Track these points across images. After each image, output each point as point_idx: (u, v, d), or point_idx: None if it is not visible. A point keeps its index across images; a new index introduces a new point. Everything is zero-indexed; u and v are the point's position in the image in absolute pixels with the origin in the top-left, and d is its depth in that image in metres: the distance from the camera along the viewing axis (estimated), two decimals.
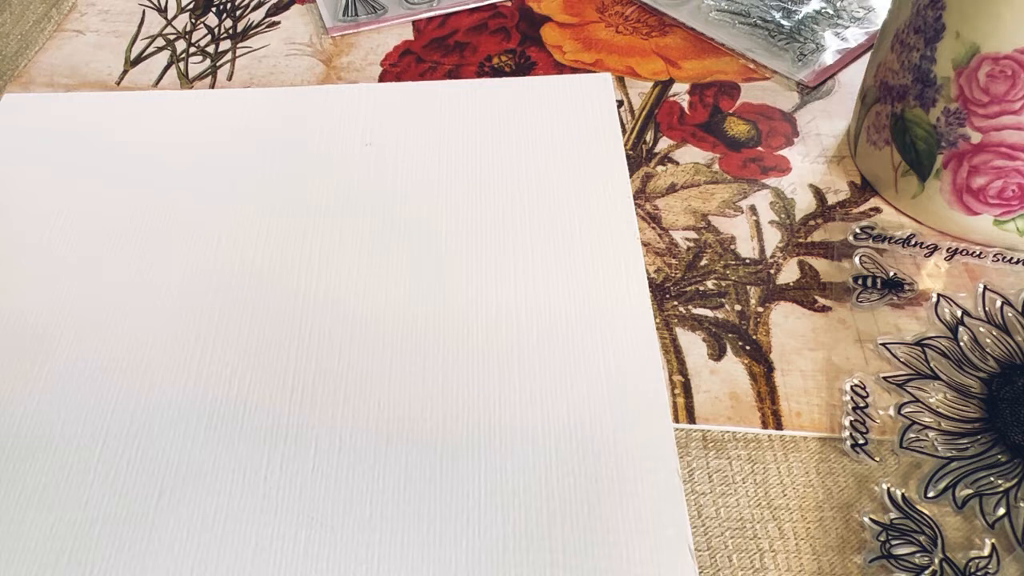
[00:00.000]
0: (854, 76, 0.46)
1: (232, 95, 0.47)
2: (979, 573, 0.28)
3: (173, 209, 0.41)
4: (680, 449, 0.32)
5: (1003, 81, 0.33)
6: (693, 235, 0.39)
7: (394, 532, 0.30)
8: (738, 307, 0.36)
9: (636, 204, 0.41)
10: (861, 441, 0.32)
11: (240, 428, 0.33)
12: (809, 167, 0.42)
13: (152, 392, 0.34)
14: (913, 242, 0.38)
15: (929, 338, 0.34)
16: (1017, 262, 0.37)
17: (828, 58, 0.48)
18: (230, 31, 0.53)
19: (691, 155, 0.43)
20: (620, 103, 0.46)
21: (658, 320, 0.36)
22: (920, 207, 0.38)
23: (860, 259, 0.37)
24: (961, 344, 0.33)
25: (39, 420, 0.33)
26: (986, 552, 0.29)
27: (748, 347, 0.35)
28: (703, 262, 0.38)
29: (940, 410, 0.32)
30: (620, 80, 0.47)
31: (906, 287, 0.36)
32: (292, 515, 0.30)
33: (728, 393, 0.34)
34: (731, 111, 0.45)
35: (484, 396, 0.33)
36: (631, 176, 0.42)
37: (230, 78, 0.49)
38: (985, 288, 0.34)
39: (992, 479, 0.30)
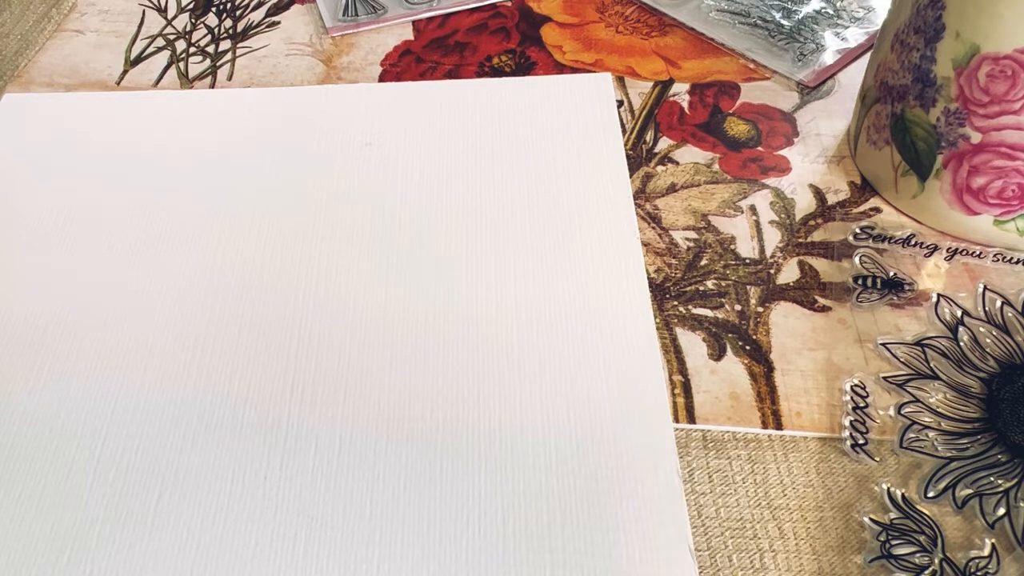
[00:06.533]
0: (854, 76, 0.46)
1: (232, 95, 0.47)
2: (979, 573, 0.28)
3: (173, 209, 0.41)
4: (680, 449, 0.32)
5: (1003, 81, 0.33)
6: (693, 235, 0.39)
7: (394, 532, 0.30)
8: (738, 307, 0.36)
9: (636, 204, 0.41)
10: (861, 441, 0.32)
11: (240, 428, 0.33)
12: (809, 167, 0.42)
13: (152, 392, 0.34)
14: (913, 242, 0.38)
15: (929, 338, 0.34)
16: (1017, 262, 0.36)
17: (828, 58, 0.48)
18: (230, 31, 0.53)
19: (691, 155, 0.43)
20: (620, 103, 0.46)
21: (658, 320, 0.36)
22: (920, 207, 0.38)
23: (860, 259, 0.37)
24: (961, 344, 0.33)
25: (39, 420, 0.33)
26: (986, 552, 0.29)
27: (748, 347, 0.35)
28: (703, 262, 0.38)
29: (940, 410, 0.32)
30: (620, 80, 0.47)
31: (906, 287, 0.36)
32: (292, 515, 0.30)
33: (728, 393, 0.34)
34: (731, 111, 0.45)
35: (484, 396, 0.33)
36: (631, 176, 0.42)
37: (230, 78, 0.49)
38: (985, 288, 0.34)
39: (992, 479, 0.30)
